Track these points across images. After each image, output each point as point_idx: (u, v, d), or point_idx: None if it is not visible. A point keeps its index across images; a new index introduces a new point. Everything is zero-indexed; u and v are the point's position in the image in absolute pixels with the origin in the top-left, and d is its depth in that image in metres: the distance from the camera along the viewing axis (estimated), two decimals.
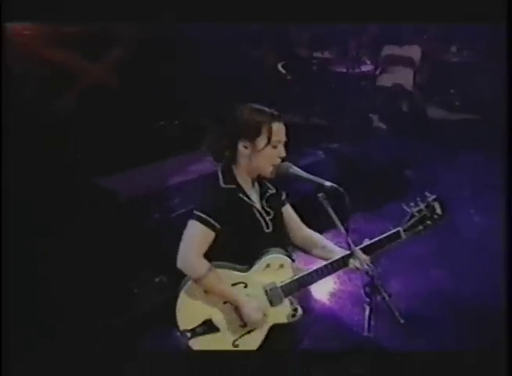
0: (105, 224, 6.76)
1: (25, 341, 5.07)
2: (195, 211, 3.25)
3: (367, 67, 10.38)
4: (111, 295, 5.83)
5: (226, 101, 9.61)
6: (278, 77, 10.16)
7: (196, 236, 3.26)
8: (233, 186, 3.30)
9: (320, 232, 4.09)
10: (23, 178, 6.72)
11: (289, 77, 10.13)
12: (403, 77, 10.30)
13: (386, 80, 10.34)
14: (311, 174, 7.52)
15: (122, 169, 8.06)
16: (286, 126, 3.38)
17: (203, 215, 3.21)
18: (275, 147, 3.28)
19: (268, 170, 3.30)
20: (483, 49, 10.57)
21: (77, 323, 5.39)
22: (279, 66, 10.19)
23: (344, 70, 10.16)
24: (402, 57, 10.35)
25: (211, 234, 3.24)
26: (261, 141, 3.26)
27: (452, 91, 10.79)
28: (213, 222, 3.23)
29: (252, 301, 3.27)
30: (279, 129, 3.33)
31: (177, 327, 3.36)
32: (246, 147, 3.27)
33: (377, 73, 10.39)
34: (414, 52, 10.43)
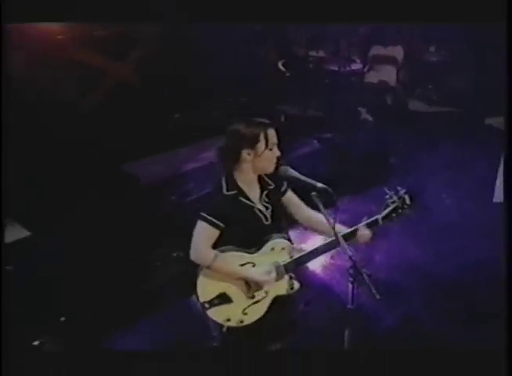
0: (129, 206, 6.92)
1: (52, 314, 5.31)
2: (201, 213, 3.43)
3: (356, 66, 10.38)
4: (136, 268, 5.98)
5: (233, 95, 9.79)
6: (278, 74, 10.21)
7: (203, 234, 3.45)
8: (235, 192, 3.47)
9: None
10: (55, 166, 7.03)
11: (288, 74, 10.16)
12: (388, 74, 10.30)
13: (373, 77, 10.35)
14: (309, 162, 7.69)
15: (143, 157, 8.14)
16: (277, 131, 3.54)
17: (209, 217, 3.40)
18: (271, 149, 3.45)
19: (268, 168, 3.49)
20: (458, 49, 10.55)
21: (106, 292, 5.59)
22: (280, 65, 10.22)
23: (336, 68, 10.12)
24: (386, 57, 10.35)
25: (216, 232, 3.43)
26: (261, 146, 3.43)
27: (430, 86, 10.78)
28: (217, 222, 3.41)
29: (257, 270, 3.49)
30: (272, 134, 3.48)
31: (196, 296, 3.55)
32: (249, 154, 3.43)
33: (365, 70, 10.40)
34: (397, 52, 10.41)
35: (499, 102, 9.35)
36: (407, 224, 6.33)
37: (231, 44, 9.42)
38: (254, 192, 3.55)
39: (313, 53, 10.52)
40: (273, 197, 3.61)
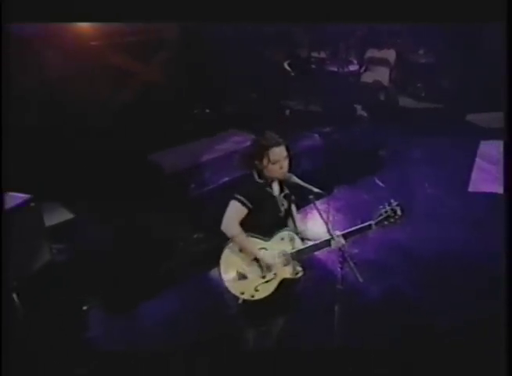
0: (155, 192, 7.17)
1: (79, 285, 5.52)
2: (235, 195, 3.78)
3: (354, 67, 10.59)
4: (162, 247, 6.24)
5: (245, 92, 9.98)
6: (284, 73, 10.50)
7: (234, 211, 3.80)
8: (264, 181, 3.83)
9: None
10: (93, 157, 7.36)
11: (292, 74, 10.42)
12: (381, 74, 10.49)
13: (368, 77, 10.53)
14: (311, 154, 7.78)
15: (166, 148, 8.46)
16: (287, 147, 3.81)
17: (241, 197, 3.76)
18: (274, 163, 3.75)
19: (276, 175, 3.82)
20: (444, 52, 10.72)
21: (138, 268, 5.83)
22: (285, 65, 10.48)
23: (336, 69, 10.40)
24: (381, 59, 10.54)
25: (245, 210, 3.78)
26: (265, 161, 3.77)
27: (419, 85, 10.94)
28: (247, 202, 3.77)
29: (268, 254, 3.83)
30: (275, 152, 3.77)
31: (219, 272, 3.85)
32: (257, 164, 3.81)
33: (361, 71, 10.59)
34: (390, 54, 10.60)
35: (479, 100, 9.66)
36: None
37: (242, 46, 9.65)
38: (275, 189, 3.90)
39: (315, 54, 10.77)
40: (287, 199, 3.97)
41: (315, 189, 3.70)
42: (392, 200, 3.79)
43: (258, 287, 3.86)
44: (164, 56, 8.92)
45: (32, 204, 4.41)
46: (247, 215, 3.80)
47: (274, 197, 3.87)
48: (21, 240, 4.46)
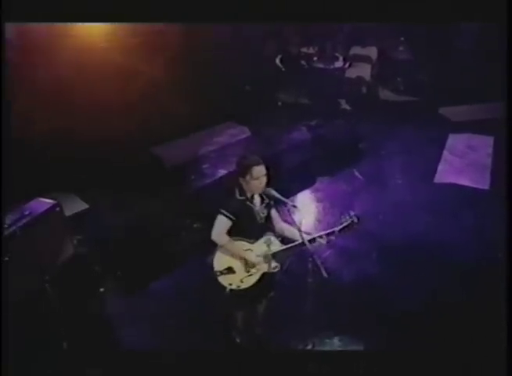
0: (158, 184, 7.50)
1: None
2: (221, 210, 4.19)
3: (339, 63, 10.79)
4: (165, 236, 6.53)
5: (242, 87, 10.22)
6: (275, 68, 10.77)
7: (221, 224, 4.22)
8: (244, 198, 4.29)
9: None
10: (103, 152, 7.61)
11: (283, 69, 10.71)
12: (364, 70, 10.77)
13: (352, 73, 10.77)
14: (299, 148, 7.72)
15: (167, 141, 8.74)
16: (267, 167, 4.24)
17: (225, 212, 4.22)
18: (256, 179, 4.21)
19: (257, 191, 4.29)
20: (421, 49, 10.97)
21: (144, 254, 6.16)
22: (277, 60, 10.77)
23: (323, 65, 10.65)
24: (363, 56, 10.84)
25: (229, 223, 4.23)
26: (248, 177, 4.19)
27: (398, 79, 11.19)
28: (231, 216, 4.19)
29: (252, 254, 4.33)
30: (257, 170, 4.17)
31: (212, 267, 4.33)
32: (242, 181, 4.27)
33: (346, 67, 10.80)
34: (372, 51, 10.90)
35: (452, 94, 9.99)
36: (365, 200, 7.20)
37: (237, 44, 9.87)
38: (256, 201, 4.37)
39: (304, 50, 11.00)
40: (267, 209, 4.44)
41: (290, 203, 4.19)
42: (351, 211, 4.27)
43: (243, 280, 4.37)
44: (165, 55, 8.92)
45: (57, 209, 4.92)
46: (233, 224, 4.27)
47: (253, 209, 4.32)
48: (50, 239, 4.89)
